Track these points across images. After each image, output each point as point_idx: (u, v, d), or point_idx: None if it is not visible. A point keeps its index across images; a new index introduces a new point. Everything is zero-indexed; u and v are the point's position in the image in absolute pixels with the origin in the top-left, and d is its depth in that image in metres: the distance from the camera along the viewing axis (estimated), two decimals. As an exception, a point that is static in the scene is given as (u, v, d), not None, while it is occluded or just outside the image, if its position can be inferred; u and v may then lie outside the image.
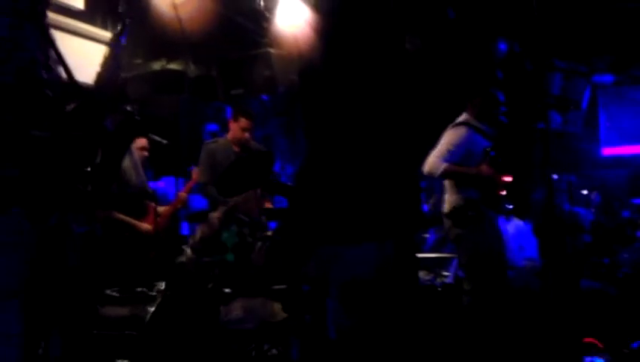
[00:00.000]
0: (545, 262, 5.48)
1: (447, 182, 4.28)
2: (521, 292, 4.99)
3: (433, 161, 4.07)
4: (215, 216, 3.83)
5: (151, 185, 5.48)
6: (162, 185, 6.42)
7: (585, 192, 7.13)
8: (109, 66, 2.58)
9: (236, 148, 4.92)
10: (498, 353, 3.98)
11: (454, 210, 4.14)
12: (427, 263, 5.36)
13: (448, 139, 4.16)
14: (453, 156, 4.09)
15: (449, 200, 4.25)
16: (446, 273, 6.00)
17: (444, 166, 4.05)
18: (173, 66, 6.84)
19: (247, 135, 4.93)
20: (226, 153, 4.89)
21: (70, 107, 2.48)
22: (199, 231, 3.90)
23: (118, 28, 2.62)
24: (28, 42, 2.30)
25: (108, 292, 3.60)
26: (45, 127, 2.26)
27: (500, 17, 6.44)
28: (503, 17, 6.43)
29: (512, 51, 6.61)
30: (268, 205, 4.58)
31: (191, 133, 6.83)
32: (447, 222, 4.24)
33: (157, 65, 6.82)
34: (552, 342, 3.38)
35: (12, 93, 2.21)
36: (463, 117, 4.32)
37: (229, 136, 5.04)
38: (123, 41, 2.60)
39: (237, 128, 4.94)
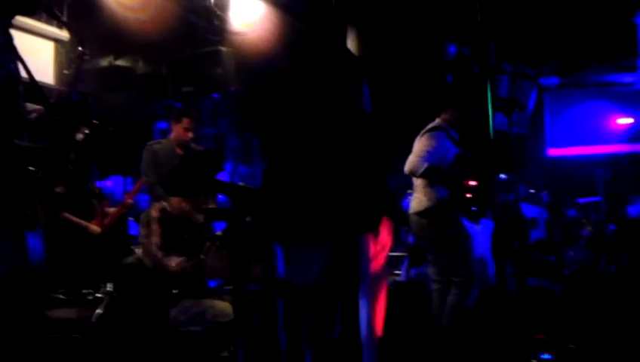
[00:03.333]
0: (496, 259, 5.60)
1: (420, 183, 4.43)
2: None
3: (414, 160, 4.28)
4: (153, 213, 3.74)
5: (99, 184, 5.37)
6: (110, 184, 6.28)
7: (532, 191, 7.31)
8: (73, 79, 2.65)
9: (179, 150, 4.88)
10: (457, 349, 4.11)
11: (427, 210, 4.28)
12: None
13: (427, 141, 4.36)
14: (431, 157, 4.28)
15: (420, 199, 4.40)
16: (398, 271, 6.08)
17: (426, 165, 4.23)
18: (121, 63, 6.69)
19: (190, 135, 4.90)
20: (169, 154, 4.84)
21: (33, 116, 2.53)
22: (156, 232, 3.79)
23: (81, 49, 2.66)
24: (6, 56, 2.38)
25: (54, 294, 3.50)
26: (22, 136, 2.34)
27: (449, 21, 6.54)
28: (453, 21, 6.53)
29: (461, 54, 6.72)
30: (211, 205, 4.55)
31: (139, 131, 6.70)
32: (418, 221, 4.36)
33: (105, 62, 6.65)
34: (506, 339, 3.47)
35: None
36: (437, 122, 4.52)
37: (172, 137, 5.00)
38: (85, 56, 2.66)
39: (180, 129, 4.90)
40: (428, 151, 4.28)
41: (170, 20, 5.83)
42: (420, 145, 4.37)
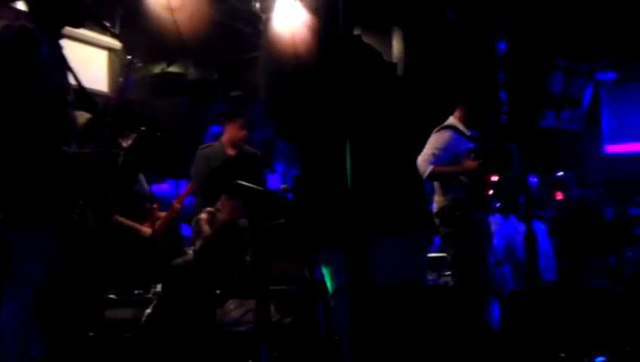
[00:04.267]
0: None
1: (435, 184, 4.38)
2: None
3: (420, 164, 4.14)
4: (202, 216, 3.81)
5: (155, 187, 5.51)
6: (165, 187, 6.43)
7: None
8: (121, 89, 2.73)
9: (231, 152, 4.92)
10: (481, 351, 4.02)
11: (442, 210, 4.24)
12: (431, 263, 5.37)
13: (434, 142, 4.26)
14: (439, 159, 4.19)
15: (437, 200, 4.36)
16: (449, 272, 6.00)
17: (430, 168, 4.14)
18: (173, 69, 6.85)
19: (244, 132, 4.94)
20: (219, 157, 4.87)
21: (82, 122, 2.64)
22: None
23: (130, 58, 2.76)
24: (54, 68, 2.51)
25: (107, 295, 3.61)
26: (70, 143, 2.45)
27: (500, 17, 6.43)
28: (503, 17, 6.41)
29: (513, 51, 6.59)
30: None
31: (191, 135, 6.83)
32: (436, 222, 4.32)
33: (157, 69, 6.82)
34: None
35: (46, 111, 2.37)
36: (449, 120, 4.42)
37: (225, 138, 5.04)
38: (134, 65, 2.76)
39: (234, 127, 4.93)
40: (434, 154, 4.20)
41: (218, 26, 5.93)
42: (427, 146, 4.28)
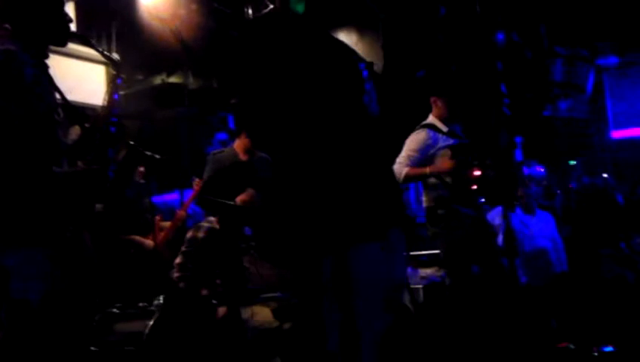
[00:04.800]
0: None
1: (422, 184, 4.42)
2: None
3: (396, 167, 4.19)
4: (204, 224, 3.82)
5: (160, 198, 5.53)
6: (170, 198, 6.45)
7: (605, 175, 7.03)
8: (109, 104, 2.75)
9: (243, 157, 4.91)
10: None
11: (427, 210, 4.25)
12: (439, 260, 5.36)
13: (408, 144, 4.29)
14: (414, 161, 4.23)
15: (424, 200, 4.41)
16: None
17: (405, 171, 4.19)
18: (173, 80, 6.89)
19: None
20: (232, 161, 4.86)
21: (72, 139, 2.66)
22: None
23: (115, 70, 2.78)
24: (42, 88, 2.52)
25: (111, 309, 3.64)
26: (61, 163, 2.47)
27: (496, 8, 6.38)
28: (499, 8, 6.36)
29: (511, 41, 6.54)
30: None
31: (195, 144, 6.86)
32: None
33: (157, 80, 6.86)
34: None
35: (35, 133, 2.39)
36: (427, 119, 4.42)
37: (237, 144, 5.02)
38: (119, 81, 2.77)
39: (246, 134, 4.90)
40: (409, 156, 4.23)
41: (213, 34, 5.96)
42: (403, 148, 4.31)
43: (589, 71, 7.23)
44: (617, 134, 7.68)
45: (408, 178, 4.25)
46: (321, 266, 2.31)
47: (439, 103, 4.39)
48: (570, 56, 6.97)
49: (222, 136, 7.36)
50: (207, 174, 4.96)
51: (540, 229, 5.59)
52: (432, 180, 4.28)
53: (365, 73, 2.42)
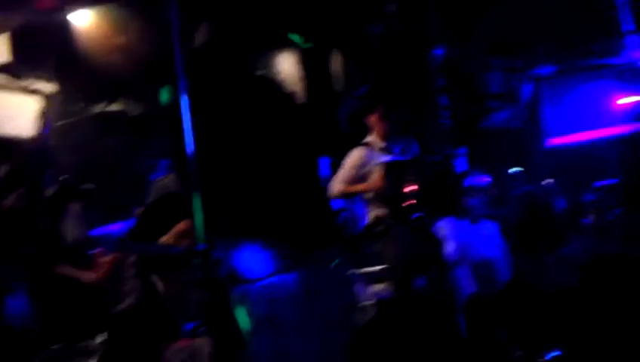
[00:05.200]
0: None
1: (361, 202, 4.51)
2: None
3: (331, 184, 4.36)
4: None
5: (103, 230, 5.41)
6: (117, 227, 6.32)
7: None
8: (37, 138, 2.71)
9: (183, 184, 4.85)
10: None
11: (366, 227, 4.32)
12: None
13: (344, 161, 4.42)
14: (349, 178, 4.36)
15: (363, 217, 4.51)
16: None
17: (337, 188, 4.34)
18: (113, 107, 6.79)
19: None
20: (179, 188, 4.81)
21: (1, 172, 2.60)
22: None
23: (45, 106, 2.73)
24: None
25: (53, 348, 3.53)
26: None
27: (432, 24, 6.53)
28: (435, 23, 6.51)
29: (449, 55, 6.69)
30: None
31: (137, 172, 6.75)
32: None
33: (98, 109, 6.75)
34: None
35: None
36: (366, 137, 4.51)
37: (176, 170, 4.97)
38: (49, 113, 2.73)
39: None
40: (343, 173, 4.36)
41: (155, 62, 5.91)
42: (340, 167, 4.45)
43: (525, 81, 7.44)
44: (555, 141, 7.90)
45: (343, 195, 4.39)
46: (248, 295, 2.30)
47: (374, 121, 4.48)
48: (506, 68, 7.17)
49: (165, 162, 7.29)
50: (150, 201, 4.87)
51: (486, 239, 5.68)
52: (370, 197, 4.37)
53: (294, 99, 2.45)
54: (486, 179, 6.26)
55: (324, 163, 4.74)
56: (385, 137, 4.48)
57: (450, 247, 5.34)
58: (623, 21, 6.62)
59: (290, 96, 2.43)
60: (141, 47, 5.64)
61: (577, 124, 7.82)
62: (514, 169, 6.83)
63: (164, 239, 3.69)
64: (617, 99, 7.75)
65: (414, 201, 4.26)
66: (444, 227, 5.08)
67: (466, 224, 5.64)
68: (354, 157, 4.42)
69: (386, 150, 4.43)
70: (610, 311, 4.32)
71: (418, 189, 4.24)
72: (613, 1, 6.54)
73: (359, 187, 4.35)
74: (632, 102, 7.77)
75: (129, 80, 6.02)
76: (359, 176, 4.37)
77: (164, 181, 4.98)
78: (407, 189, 4.25)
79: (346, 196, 4.48)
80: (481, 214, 5.61)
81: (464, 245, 5.64)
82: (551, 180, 7.09)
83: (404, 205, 4.28)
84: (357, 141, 4.53)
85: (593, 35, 7.12)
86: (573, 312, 4.76)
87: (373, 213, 4.41)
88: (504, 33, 6.97)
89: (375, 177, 4.32)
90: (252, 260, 4.81)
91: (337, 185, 4.35)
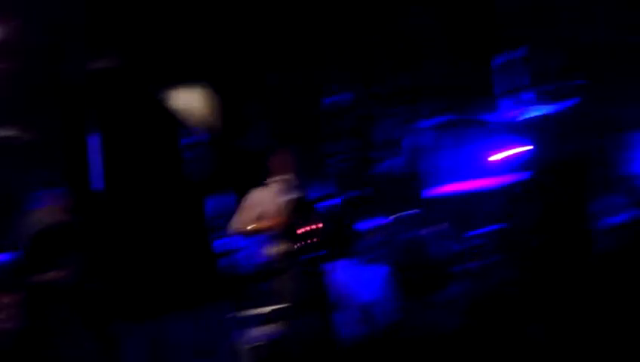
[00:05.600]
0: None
1: (260, 239, 4.54)
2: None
3: (233, 220, 4.52)
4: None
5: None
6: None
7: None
8: None
9: (63, 217, 4.65)
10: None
11: (262, 264, 4.43)
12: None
13: (246, 199, 4.60)
14: (249, 215, 4.51)
15: (262, 254, 4.53)
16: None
17: (238, 225, 4.52)
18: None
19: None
20: (48, 222, 4.59)
21: None
22: None
23: None
24: None
25: None
26: None
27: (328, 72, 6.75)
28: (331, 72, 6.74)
29: (343, 100, 6.94)
30: None
31: (14, 203, 6.36)
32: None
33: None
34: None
35: None
36: (269, 177, 4.62)
37: (56, 202, 4.75)
38: None
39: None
40: (245, 210, 4.53)
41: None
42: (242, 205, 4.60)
43: (409, 130, 7.84)
44: (436, 190, 8.31)
45: (245, 233, 4.51)
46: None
47: (277, 161, 4.58)
48: (393, 116, 7.52)
49: (41, 193, 6.91)
50: (20, 237, 4.60)
51: (373, 281, 5.84)
52: (269, 235, 4.44)
53: (194, 139, 2.45)
54: (376, 223, 6.49)
55: (229, 200, 4.75)
56: (286, 177, 4.60)
57: (339, 289, 5.45)
58: (497, 83, 7.17)
59: (189, 131, 2.41)
60: (29, 73, 5.39)
61: (459, 173, 8.27)
62: (402, 214, 7.10)
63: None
64: (494, 153, 8.31)
65: (313, 240, 4.36)
66: (336, 268, 5.20)
67: (355, 266, 5.80)
68: (256, 194, 4.52)
69: (287, 190, 4.55)
70: (490, 351, 4.57)
71: (317, 229, 4.35)
72: (490, 64, 7.08)
73: (259, 225, 4.44)
74: (506, 156, 8.36)
75: (15, 106, 5.71)
76: (260, 214, 4.44)
77: (32, 215, 4.70)
78: (306, 228, 4.36)
79: (246, 233, 4.56)
80: (371, 257, 5.79)
81: (352, 287, 5.78)
82: (435, 226, 7.44)
83: (302, 244, 4.37)
84: (260, 180, 4.60)
85: (472, 93, 7.67)
86: (455, 354, 4.98)
87: (271, 251, 4.51)
88: (394, 83, 7.33)
89: (275, 215, 4.41)
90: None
91: (239, 222, 4.46)
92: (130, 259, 2.26)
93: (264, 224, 4.46)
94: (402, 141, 7.73)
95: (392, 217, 7.11)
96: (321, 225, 4.38)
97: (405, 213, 7.11)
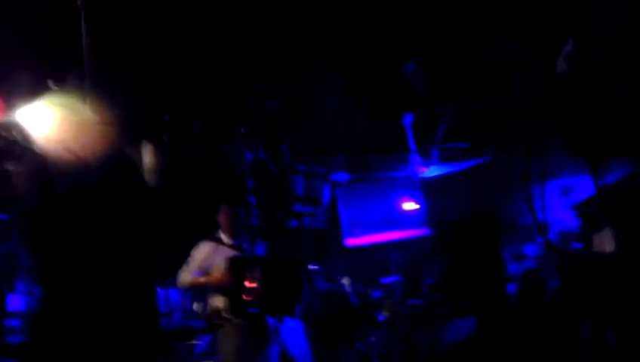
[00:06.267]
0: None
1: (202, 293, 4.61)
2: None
3: (179, 274, 4.59)
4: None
5: None
6: None
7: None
8: None
9: None
10: None
11: (205, 319, 4.50)
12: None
13: (192, 253, 4.67)
14: (194, 269, 4.60)
15: (203, 309, 4.59)
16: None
17: (184, 278, 4.57)
18: None
19: None
20: None
21: None
22: None
23: None
24: None
25: None
26: None
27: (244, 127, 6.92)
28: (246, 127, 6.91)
29: (257, 158, 7.11)
30: None
31: None
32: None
33: None
34: None
35: None
36: (216, 232, 4.73)
37: None
38: None
39: None
40: (190, 264, 4.61)
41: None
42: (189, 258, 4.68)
43: (325, 186, 8.12)
44: (350, 242, 8.61)
45: (189, 285, 4.60)
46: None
47: (222, 218, 4.74)
48: (309, 173, 7.77)
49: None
50: None
51: (291, 336, 5.92)
52: (211, 289, 4.53)
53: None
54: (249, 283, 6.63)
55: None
56: (231, 234, 4.73)
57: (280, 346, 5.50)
58: (408, 141, 7.60)
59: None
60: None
61: (369, 226, 8.62)
62: (314, 266, 7.28)
63: None
64: (402, 206, 8.72)
65: (251, 297, 4.44)
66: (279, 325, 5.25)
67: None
68: (199, 250, 4.64)
69: (231, 246, 4.67)
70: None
71: (256, 286, 4.44)
72: (401, 124, 7.50)
73: (203, 279, 4.55)
74: (413, 209, 8.79)
75: None
76: (205, 268, 4.48)
77: None
78: (246, 284, 4.44)
79: (191, 287, 4.64)
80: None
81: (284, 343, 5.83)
82: (347, 277, 7.66)
83: (242, 300, 4.44)
84: (207, 234, 4.70)
85: (384, 150, 8.07)
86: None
87: (210, 305, 4.59)
88: (309, 141, 7.61)
89: (218, 270, 4.49)
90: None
91: (185, 275, 4.54)
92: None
93: (209, 278, 4.51)
94: (318, 194, 7.99)
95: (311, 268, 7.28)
96: (258, 284, 4.44)
97: (319, 264, 7.29)
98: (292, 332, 5.94)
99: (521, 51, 5.84)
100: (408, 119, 7.40)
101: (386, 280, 7.96)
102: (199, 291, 4.77)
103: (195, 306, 6.59)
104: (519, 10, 5.70)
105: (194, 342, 5.98)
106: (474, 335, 4.48)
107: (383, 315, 6.89)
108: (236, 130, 6.85)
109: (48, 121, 5.41)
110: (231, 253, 4.62)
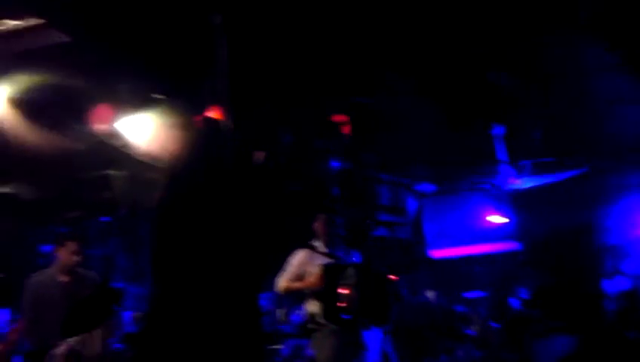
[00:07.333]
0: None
1: (297, 299, 4.74)
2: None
3: (276, 279, 4.68)
4: (59, 352, 3.63)
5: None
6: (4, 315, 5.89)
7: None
8: None
9: (64, 278, 4.57)
10: None
11: (300, 324, 4.58)
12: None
13: (288, 260, 4.76)
14: (290, 275, 4.68)
15: (299, 314, 4.71)
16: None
17: (281, 284, 4.66)
18: (4, 190, 6.52)
19: (75, 258, 4.61)
20: (49, 285, 4.50)
21: None
22: None
23: None
24: None
25: None
26: None
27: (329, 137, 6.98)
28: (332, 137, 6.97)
29: (344, 169, 7.16)
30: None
31: (25, 259, 6.45)
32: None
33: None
34: None
35: None
36: (311, 240, 4.89)
37: (56, 263, 4.69)
38: None
39: (64, 253, 4.61)
40: (286, 270, 4.69)
41: (56, 148, 5.81)
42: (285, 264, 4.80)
43: (410, 196, 8.07)
44: (435, 254, 8.51)
45: (285, 290, 4.69)
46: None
47: (318, 226, 4.85)
48: (394, 183, 7.75)
49: (47, 248, 6.95)
50: (23, 302, 4.52)
51: (373, 346, 5.91)
52: (307, 295, 4.63)
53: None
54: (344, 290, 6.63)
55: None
56: (326, 242, 4.81)
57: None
58: (497, 151, 7.44)
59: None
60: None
61: (454, 239, 8.50)
62: (396, 276, 7.23)
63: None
64: (489, 219, 8.54)
65: (345, 304, 4.48)
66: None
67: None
68: (295, 257, 4.74)
69: (326, 254, 4.75)
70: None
71: (351, 293, 4.48)
72: (490, 134, 7.36)
73: (298, 284, 4.64)
74: (500, 222, 8.59)
75: (26, 164, 5.85)
76: (300, 275, 4.65)
77: (33, 280, 4.64)
78: (340, 291, 4.49)
79: (288, 292, 4.73)
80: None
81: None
82: (432, 290, 7.58)
83: (337, 306, 4.50)
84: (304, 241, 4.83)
85: (471, 161, 7.94)
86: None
87: (307, 310, 4.65)
88: (394, 152, 7.59)
89: (313, 277, 4.59)
90: None
91: (282, 281, 4.64)
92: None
93: (304, 284, 4.66)
94: (403, 205, 7.96)
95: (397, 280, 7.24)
96: (351, 291, 4.49)
97: (405, 275, 7.24)
98: (372, 341, 5.92)
99: (621, 60, 5.62)
100: (498, 130, 7.25)
101: (470, 294, 7.83)
102: (285, 298, 4.85)
103: (278, 312, 6.71)
104: (613, 18, 5.50)
105: (279, 346, 6.10)
106: (571, 355, 4.32)
107: (473, 330, 6.76)
108: (323, 140, 6.93)
109: (149, 129, 5.71)
110: (325, 260, 4.68)
